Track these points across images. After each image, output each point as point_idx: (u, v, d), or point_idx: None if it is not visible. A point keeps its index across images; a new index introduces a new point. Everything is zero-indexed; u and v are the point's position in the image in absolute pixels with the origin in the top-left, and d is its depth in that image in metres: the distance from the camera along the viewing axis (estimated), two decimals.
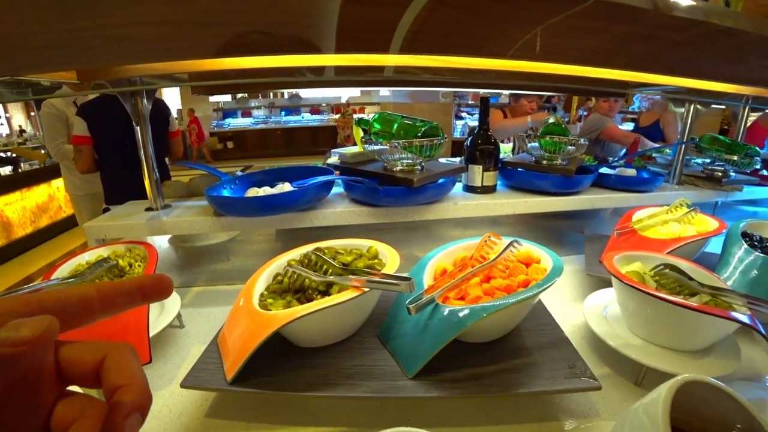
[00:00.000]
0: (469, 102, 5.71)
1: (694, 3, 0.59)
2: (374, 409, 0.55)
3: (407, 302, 0.53)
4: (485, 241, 0.63)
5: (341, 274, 0.58)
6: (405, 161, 0.88)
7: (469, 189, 1.01)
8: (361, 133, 0.96)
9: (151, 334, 0.60)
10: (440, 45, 0.63)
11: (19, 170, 3.22)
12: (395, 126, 0.85)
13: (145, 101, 0.95)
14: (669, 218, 0.88)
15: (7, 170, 3.16)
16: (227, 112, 6.09)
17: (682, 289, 0.61)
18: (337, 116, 6.45)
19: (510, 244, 0.62)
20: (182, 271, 1.10)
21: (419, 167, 0.89)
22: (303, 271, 0.60)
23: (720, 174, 1.22)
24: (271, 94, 6.70)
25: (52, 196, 3.29)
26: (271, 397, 0.57)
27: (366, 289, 0.53)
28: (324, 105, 6.38)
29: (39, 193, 3.15)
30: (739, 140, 1.30)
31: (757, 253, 0.73)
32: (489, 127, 0.98)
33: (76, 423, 0.19)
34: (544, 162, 1.01)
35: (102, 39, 0.55)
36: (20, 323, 0.17)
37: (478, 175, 0.98)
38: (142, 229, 0.92)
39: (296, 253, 0.69)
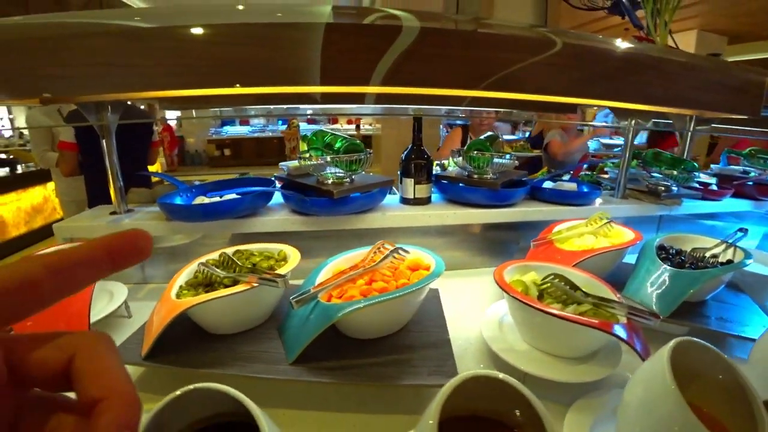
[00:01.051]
0: (460, 116, 5.84)
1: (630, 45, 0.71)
2: (262, 388, 0.66)
3: (291, 297, 0.64)
4: (378, 248, 0.73)
5: (245, 272, 0.70)
6: (336, 174, 0.99)
7: (404, 201, 1.12)
8: (305, 148, 1.08)
9: (93, 320, 0.71)
10: (414, 81, 0.74)
11: (17, 171, 3.43)
12: (325, 142, 0.97)
13: (109, 114, 1.08)
14: (585, 231, 0.96)
15: (4, 171, 3.39)
16: (225, 120, 6.33)
17: (567, 298, 0.67)
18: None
19: (394, 250, 0.72)
20: (143, 269, 1.23)
21: (348, 180, 1.01)
22: (211, 269, 0.72)
23: (662, 188, 1.30)
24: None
25: (46, 198, 3.48)
26: (180, 373, 0.67)
27: (255, 284, 0.65)
28: (321, 114, 6.57)
29: (34, 195, 3.34)
30: (684, 156, 1.39)
31: (665, 266, 0.80)
32: (422, 142, 1.09)
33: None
34: (475, 176, 1.11)
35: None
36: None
37: (410, 187, 1.09)
38: (104, 230, 1.06)
39: (217, 253, 0.80)
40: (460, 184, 1.10)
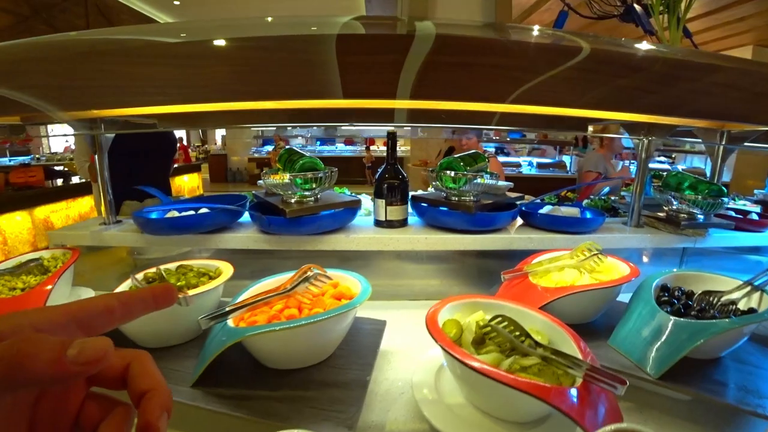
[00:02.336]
0: (492, 137, 5.67)
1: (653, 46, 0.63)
2: None
3: (200, 317, 0.61)
4: (303, 272, 0.69)
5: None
6: (299, 193, 0.97)
7: (377, 223, 1.07)
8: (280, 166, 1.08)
9: None
10: (441, 95, 0.66)
11: (69, 182, 3.79)
12: (291, 161, 0.96)
13: (104, 136, 1.15)
14: (567, 264, 0.84)
15: (59, 182, 3.80)
16: (266, 140, 6.65)
17: (510, 347, 0.57)
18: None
19: (311, 276, 0.67)
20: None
21: (312, 200, 0.98)
22: (140, 284, 0.72)
23: (684, 216, 1.14)
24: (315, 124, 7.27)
25: (92, 208, 3.80)
26: None
27: None
28: (357, 137, 6.69)
29: (82, 204, 3.59)
30: (714, 179, 1.22)
31: (661, 311, 0.66)
32: (396, 161, 1.05)
33: (105, 422, 0.23)
34: (453, 198, 1.04)
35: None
36: (84, 343, 0.19)
37: (381, 209, 1.03)
38: (87, 239, 1.12)
39: (163, 267, 0.81)
40: (435, 207, 1.03)
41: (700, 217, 1.14)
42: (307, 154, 1.00)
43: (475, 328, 0.60)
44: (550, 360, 0.53)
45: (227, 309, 0.62)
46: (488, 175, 1.00)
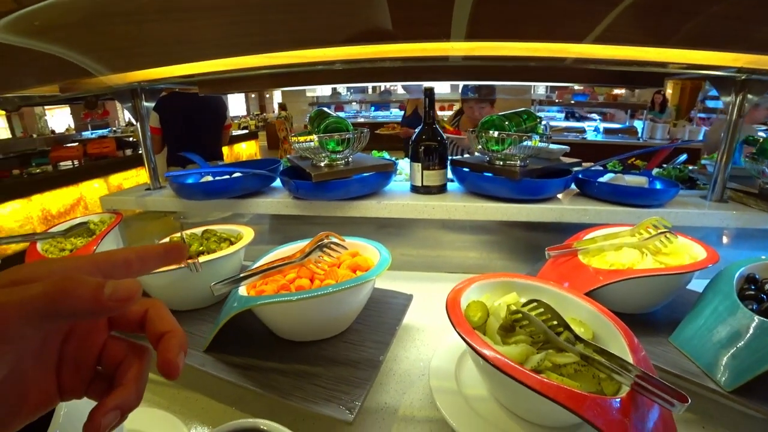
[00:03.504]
0: (555, 100, 5.11)
1: None
2: None
3: (212, 283, 0.60)
4: (318, 240, 0.65)
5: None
6: (330, 156, 0.93)
7: (413, 189, 1.00)
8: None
9: None
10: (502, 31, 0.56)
11: (138, 152, 4.09)
12: (314, 123, 0.91)
13: (144, 103, 1.17)
14: (627, 242, 0.72)
15: (128, 152, 4.10)
16: (321, 106, 6.70)
17: (546, 339, 0.49)
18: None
19: (323, 245, 0.63)
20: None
21: (342, 163, 0.93)
22: None
23: None
24: (370, 89, 7.12)
25: None
26: None
27: (183, 265, 0.63)
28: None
29: None
30: None
31: (745, 308, 0.53)
32: (434, 121, 0.96)
33: (126, 361, 0.25)
34: (497, 163, 0.93)
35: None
36: (117, 284, 0.21)
37: (417, 173, 0.96)
38: (133, 203, 1.17)
39: (189, 231, 0.81)
40: (477, 172, 0.94)
41: None
42: (338, 115, 0.94)
43: (505, 313, 0.53)
44: (592, 360, 0.44)
45: (238, 276, 0.60)
46: (537, 137, 0.87)
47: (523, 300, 0.56)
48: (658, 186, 0.98)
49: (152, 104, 1.20)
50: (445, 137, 0.96)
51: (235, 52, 0.67)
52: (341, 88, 7.03)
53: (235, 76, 0.98)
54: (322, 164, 0.94)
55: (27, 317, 0.19)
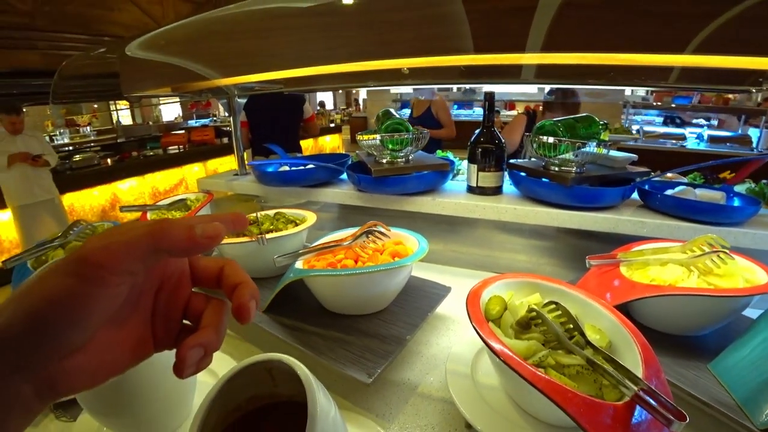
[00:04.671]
0: (652, 103, 4.55)
1: None
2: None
3: (275, 256, 0.73)
4: (366, 227, 0.74)
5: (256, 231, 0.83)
6: (392, 154, 1.02)
7: (469, 189, 1.05)
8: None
9: None
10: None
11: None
12: (380, 121, 1.01)
13: (237, 99, 1.37)
14: (675, 258, 0.70)
15: (224, 140, 4.70)
16: (404, 103, 6.80)
17: (557, 339, 0.51)
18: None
19: (369, 232, 0.72)
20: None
21: (403, 161, 1.02)
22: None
23: None
24: (454, 88, 7.08)
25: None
26: None
27: (253, 239, 0.77)
28: (498, 101, 6.26)
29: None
30: None
31: None
32: (493, 124, 1.00)
33: (207, 310, 0.29)
34: (552, 168, 0.95)
35: None
36: (206, 225, 0.25)
37: (473, 174, 1.01)
38: (223, 186, 1.38)
39: (263, 212, 0.96)
40: (531, 177, 0.97)
41: None
42: (401, 115, 1.03)
43: (523, 311, 0.57)
44: (597, 366, 0.46)
45: (297, 252, 0.72)
46: (595, 144, 0.88)
47: (546, 302, 0.60)
48: (736, 203, 0.92)
49: (244, 101, 1.39)
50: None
51: (316, 62, 0.79)
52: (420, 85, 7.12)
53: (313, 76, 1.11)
54: (384, 161, 1.03)
55: (134, 252, 0.23)
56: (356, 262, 0.70)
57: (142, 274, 0.26)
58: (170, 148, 4.34)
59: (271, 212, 0.96)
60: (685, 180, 1.14)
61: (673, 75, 0.76)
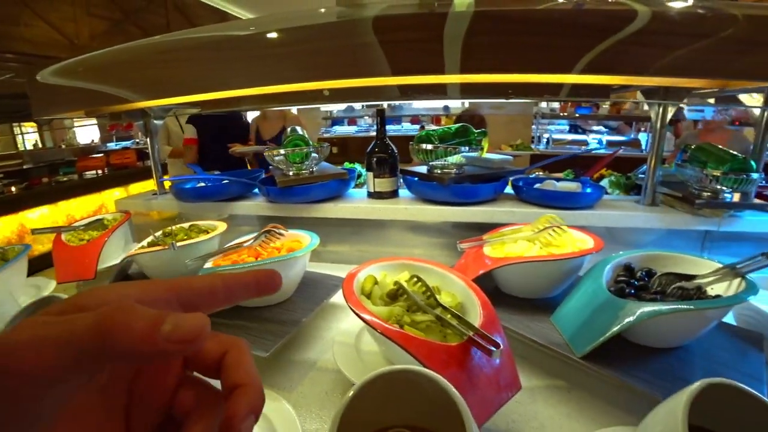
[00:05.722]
0: (560, 114, 5.17)
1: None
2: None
3: (186, 260, 0.82)
4: (265, 229, 0.87)
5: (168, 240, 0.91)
6: (296, 166, 1.15)
7: (368, 194, 1.21)
8: None
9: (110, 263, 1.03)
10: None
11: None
12: (288, 138, 1.14)
13: (154, 121, 1.43)
14: (521, 235, 0.88)
15: (148, 162, 4.49)
16: (336, 120, 6.98)
17: (413, 305, 0.64)
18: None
19: (266, 231, 0.85)
20: None
21: (307, 172, 1.15)
22: (157, 238, 0.95)
23: (708, 195, 1.07)
24: (385, 104, 7.39)
25: None
26: None
27: (165, 247, 0.86)
28: (423, 116, 6.61)
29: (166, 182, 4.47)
30: (759, 149, 1.12)
31: (603, 289, 0.65)
32: (385, 136, 1.17)
33: (195, 412, 0.22)
34: (435, 171, 1.13)
35: None
36: (180, 319, 0.18)
37: (370, 181, 1.17)
38: (141, 206, 1.43)
39: (178, 225, 1.04)
40: (418, 179, 1.14)
41: (728, 196, 1.07)
42: (302, 134, 1.17)
43: (391, 285, 0.71)
44: (444, 321, 0.58)
45: (205, 255, 0.82)
46: (466, 148, 1.07)
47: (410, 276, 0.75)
48: (588, 191, 1.13)
49: (161, 122, 1.45)
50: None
51: (232, 87, 0.90)
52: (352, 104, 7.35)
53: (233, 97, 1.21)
54: (290, 173, 1.16)
55: (66, 357, 0.17)
56: (257, 258, 0.81)
57: (87, 378, 0.20)
58: (87, 172, 4.15)
59: (186, 225, 1.04)
60: (557, 177, 1.37)
61: (563, 90, 0.97)
